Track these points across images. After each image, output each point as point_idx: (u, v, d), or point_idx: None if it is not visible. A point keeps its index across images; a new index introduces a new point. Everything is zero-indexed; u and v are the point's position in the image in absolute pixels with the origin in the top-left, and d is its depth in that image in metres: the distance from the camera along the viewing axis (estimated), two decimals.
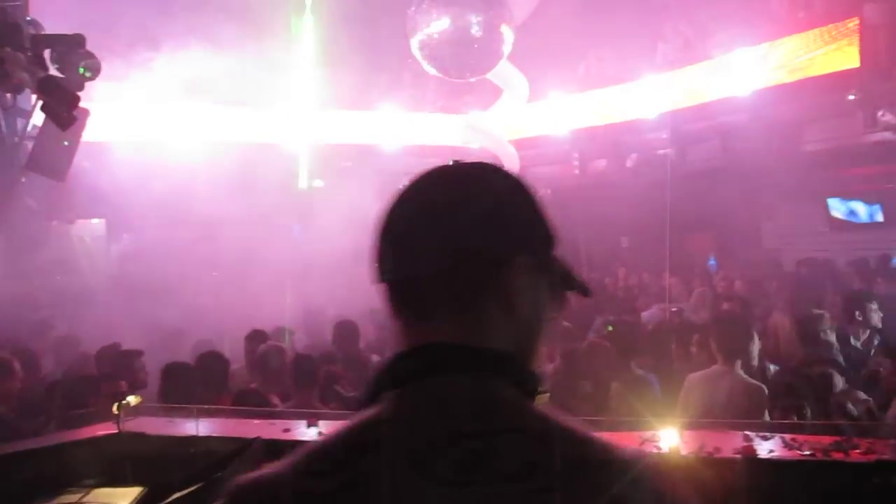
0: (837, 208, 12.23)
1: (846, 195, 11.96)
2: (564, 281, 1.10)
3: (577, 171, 12.32)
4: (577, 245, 14.84)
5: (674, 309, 7.99)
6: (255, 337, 6.55)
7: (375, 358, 5.97)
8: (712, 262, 12.30)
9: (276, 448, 2.62)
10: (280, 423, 2.86)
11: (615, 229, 13.36)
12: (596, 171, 12.35)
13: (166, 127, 10.70)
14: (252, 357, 6.13)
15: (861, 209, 11.94)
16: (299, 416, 2.93)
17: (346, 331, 6.21)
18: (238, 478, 0.99)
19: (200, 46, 9.69)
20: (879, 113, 8.83)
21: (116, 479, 2.66)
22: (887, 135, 8.91)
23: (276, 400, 4.96)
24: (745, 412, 3.91)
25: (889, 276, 8.75)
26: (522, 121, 12.14)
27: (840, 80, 9.20)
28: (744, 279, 9.67)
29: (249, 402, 4.66)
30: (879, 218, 11.62)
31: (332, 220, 10.98)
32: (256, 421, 2.98)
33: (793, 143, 10.20)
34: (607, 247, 13.39)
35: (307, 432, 2.75)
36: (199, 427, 2.76)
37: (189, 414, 2.89)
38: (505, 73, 10.65)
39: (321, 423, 2.81)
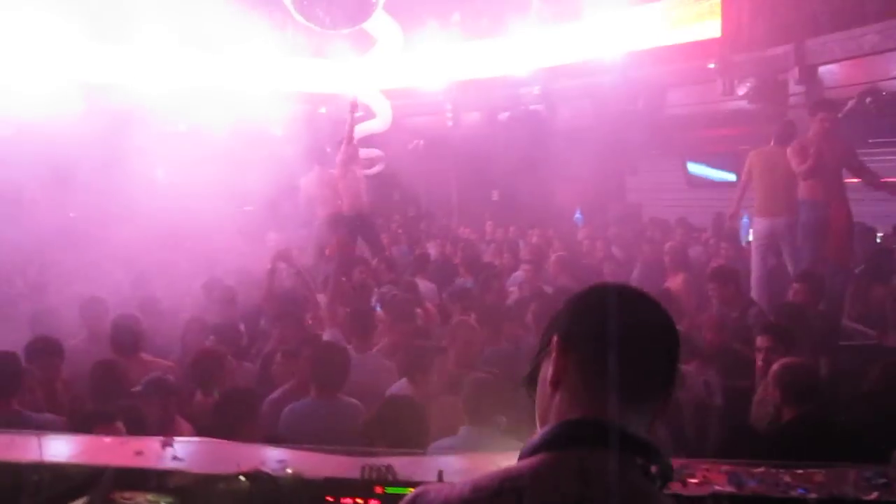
0: (694, 167, 12.87)
1: (703, 156, 12.59)
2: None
3: (450, 123, 12.30)
4: (449, 197, 14.96)
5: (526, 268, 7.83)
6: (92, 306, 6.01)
7: (263, 322, 5.77)
8: (578, 215, 12.70)
9: (128, 477, 2.53)
10: (131, 444, 2.74)
11: (486, 182, 13.52)
12: (469, 123, 12.37)
13: (13, 65, 9.84)
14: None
15: (715, 169, 12.62)
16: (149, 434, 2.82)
17: (225, 296, 6.02)
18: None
19: None
20: (736, 82, 9.22)
21: None
22: (742, 103, 9.36)
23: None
24: None
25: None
26: (396, 70, 11.94)
27: (702, 49, 9.54)
28: (606, 239, 10.03)
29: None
30: (732, 177, 12.30)
31: (196, 167, 10.56)
32: (106, 440, 2.85)
33: (657, 106, 10.57)
34: (478, 199, 13.56)
35: (159, 455, 2.65)
36: (42, 450, 2.61)
37: (30, 434, 2.74)
38: (379, 21, 10.38)
39: (177, 444, 2.72)
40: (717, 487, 2.23)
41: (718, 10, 9.32)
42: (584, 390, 1.29)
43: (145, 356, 4.87)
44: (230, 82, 11.58)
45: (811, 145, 6.57)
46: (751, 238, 7.88)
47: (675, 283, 6.74)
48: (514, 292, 7.15)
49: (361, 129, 11.65)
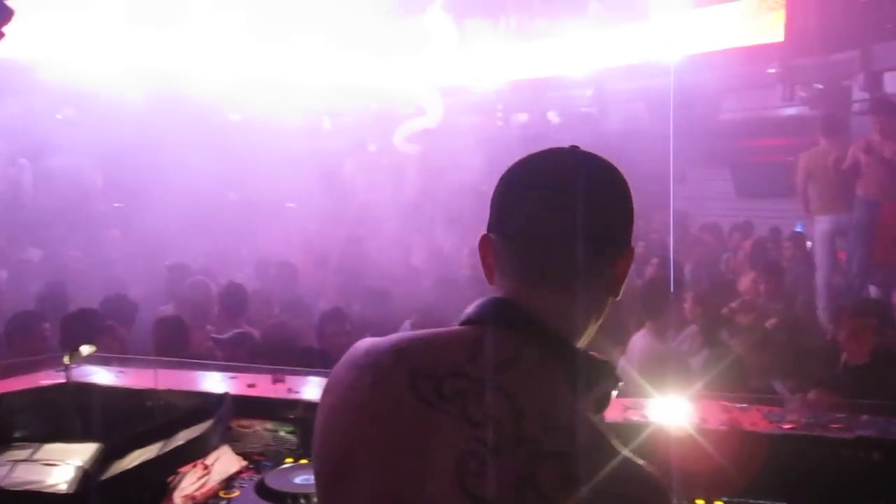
0: (745, 176, 12.70)
1: (755, 164, 12.42)
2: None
3: (500, 123, 12.29)
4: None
5: None
6: (178, 269, 6.32)
7: (323, 304, 5.88)
8: None
9: (244, 404, 2.51)
10: (243, 378, 2.73)
11: None
12: (519, 123, 12.35)
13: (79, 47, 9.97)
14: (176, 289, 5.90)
15: (768, 179, 12.43)
16: (261, 372, 2.80)
17: (285, 273, 6.09)
18: None
19: None
20: (798, 87, 9.14)
21: (66, 434, 2.49)
22: (803, 109, 9.26)
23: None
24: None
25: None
26: (449, 68, 11.96)
27: (763, 53, 9.45)
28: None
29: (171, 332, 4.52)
30: (785, 189, 12.12)
31: (248, 156, 10.65)
32: (215, 374, 2.83)
33: (712, 111, 10.47)
34: None
35: (273, 388, 2.63)
36: (156, 379, 2.59)
37: (144, 365, 2.73)
38: (435, 17, 10.43)
39: (288, 379, 2.69)
40: (861, 432, 2.16)
41: (782, 14, 9.23)
42: (501, 276, 1.18)
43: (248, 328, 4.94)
44: (285, 73, 11.67)
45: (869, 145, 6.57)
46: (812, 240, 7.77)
47: (745, 281, 6.68)
48: None
49: (411, 126, 11.68)
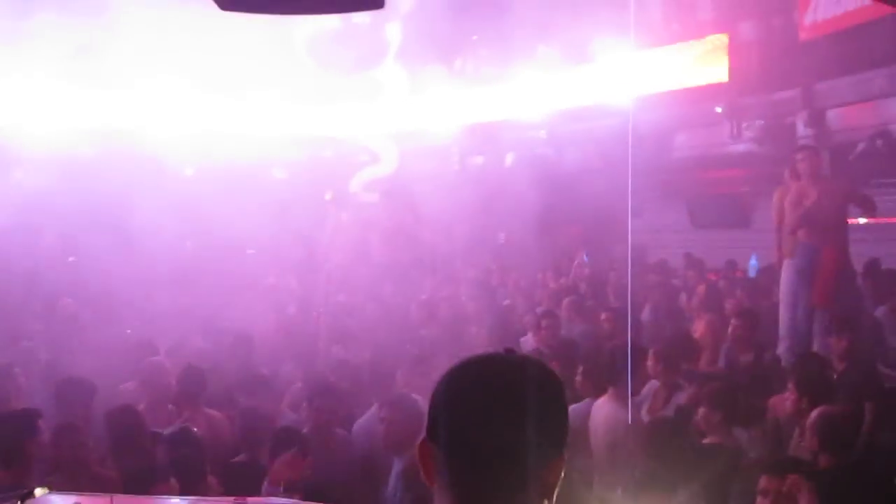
0: (699, 208, 12.91)
1: (708, 198, 12.65)
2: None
3: (456, 167, 12.37)
4: (454, 240, 14.93)
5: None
6: (143, 347, 6.09)
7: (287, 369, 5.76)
8: (585, 258, 12.67)
9: None
10: None
11: (493, 224, 13.53)
12: (475, 166, 12.43)
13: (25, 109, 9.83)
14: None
15: (721, 210, 12.66)
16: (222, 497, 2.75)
17: (241, 346, 5.99)
18: None
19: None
20: (744, 125, 9.35)
21: None
22: (751, 146, 9.46)
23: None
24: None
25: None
26: (403, 114, 12.02)
27: (709, 93, 9.66)
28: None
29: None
30: (737, 220, 12.34)
31: (205, 211, 10.51)
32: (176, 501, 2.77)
33: (664, 149, 10.65)
34: (484, 242, 13.54)
35: None
36: None
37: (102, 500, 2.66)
38: (387, 69, 10.51)
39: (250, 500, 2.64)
40: None
41: (725, 54, 9.45)
42: (444, 486, 1.20)
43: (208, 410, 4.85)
44: (237, 126, 11.62)
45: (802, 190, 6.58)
46: None
47: (699, 325, 6.67)
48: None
49: (367, 174, 11.71)
